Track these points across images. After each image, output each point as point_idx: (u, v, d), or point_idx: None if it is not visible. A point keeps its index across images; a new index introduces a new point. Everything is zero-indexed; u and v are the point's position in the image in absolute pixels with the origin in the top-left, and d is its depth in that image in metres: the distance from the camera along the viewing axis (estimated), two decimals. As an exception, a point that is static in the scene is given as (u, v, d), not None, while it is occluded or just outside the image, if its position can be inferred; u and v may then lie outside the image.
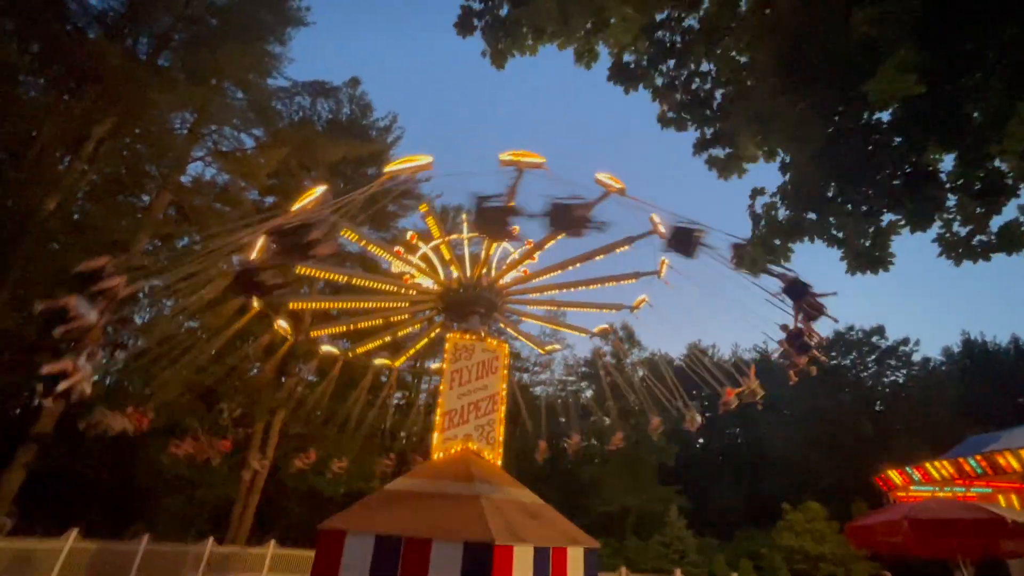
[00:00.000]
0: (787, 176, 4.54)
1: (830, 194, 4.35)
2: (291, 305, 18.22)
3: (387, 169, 12.58)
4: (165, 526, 21.04)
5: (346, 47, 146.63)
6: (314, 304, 20.87)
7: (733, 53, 4.35)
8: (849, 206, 4.29)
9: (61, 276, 16.53)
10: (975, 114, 3.77)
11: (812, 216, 4.45)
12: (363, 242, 15.04)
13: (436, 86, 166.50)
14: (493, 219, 8.63)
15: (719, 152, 4.80)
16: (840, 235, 4.47)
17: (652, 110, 4.90)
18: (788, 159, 4.46)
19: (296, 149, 23.66)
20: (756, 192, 4.74)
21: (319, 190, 11.53)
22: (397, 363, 20.21)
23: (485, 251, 15.22)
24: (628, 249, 13.97)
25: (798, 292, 8.26)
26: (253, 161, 23.09)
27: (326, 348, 18.20)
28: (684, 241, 8.95)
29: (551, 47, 4.72)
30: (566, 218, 8.33)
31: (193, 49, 20.67)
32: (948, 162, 4.18)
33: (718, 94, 4.55)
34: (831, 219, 4.40)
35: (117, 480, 21.29)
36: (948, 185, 4.08)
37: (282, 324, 16.01)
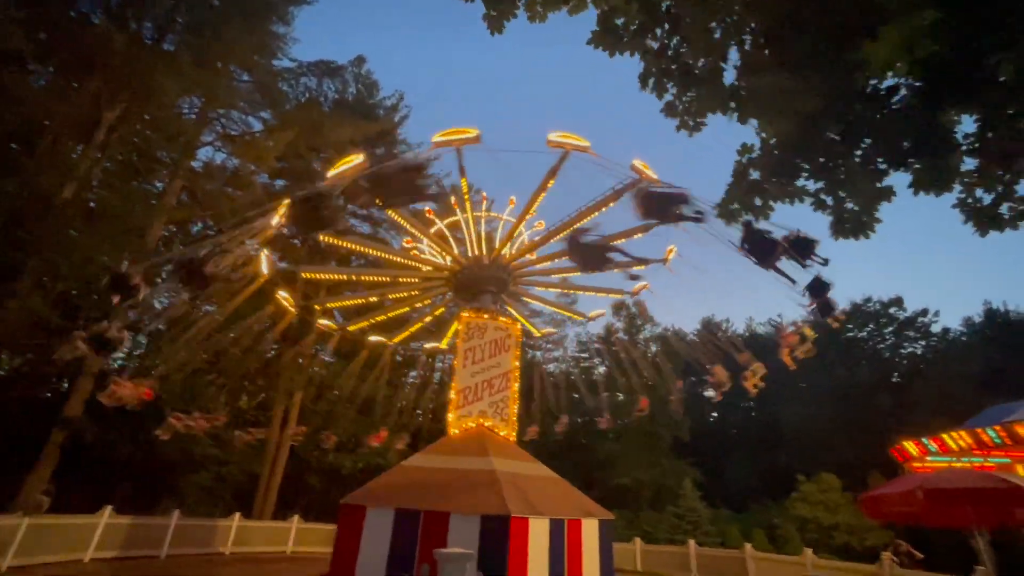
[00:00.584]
0: (771, 141, 4.44)
1: (822, 159, 4.25)
2: (304, 274, 18.33)
3: (434, 139, 12.43)
4: (193, 501, 21.88)
5: (343, 43, 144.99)
6: (328, 275, 21.06)
7: (713, 25, 4.19)
8: (843, 169, 4.19)
9: (83, 265, 16.94)
10: (1001, 75, 3.60)
11: (800, 181, 4.38)
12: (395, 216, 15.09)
13: (438, 83, 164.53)
14: (591, 254, 8.70)
15: (688, 119, 4.68)
16: (828, 200, 4.40)
17: (650, 103, 4.77)
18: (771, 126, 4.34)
19: (304, 131, 23.59)
20: (745, 149, 4.65)
21: (358, 158, 11.44)
22: (425, 346, 20.49)
23: (511, 232, 15.20)
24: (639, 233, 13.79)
25: (820, 291, 8.15)
26: (261, 144, 23.09)
27: (324, 323, 18.44)
28: (660, 208, 8.28)
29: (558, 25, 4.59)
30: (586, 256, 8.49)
31: (197, 32, 20.53)
32: (967, 125, 4.04)
33: (701, 63, 4.42)
34: (820, 184, 4.32)
35: (145, 458, 22.05)
36: (964, 147, 3.94)
37: (283, 294, 15.87)
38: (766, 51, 4.08)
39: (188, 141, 21.78)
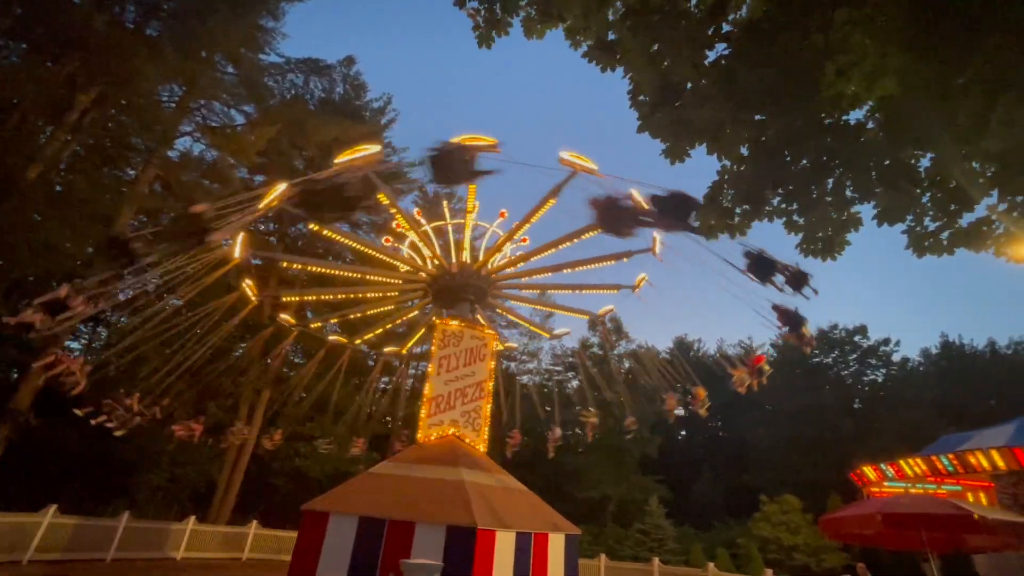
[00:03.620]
0: (740, 169, 4.58)
1: (792, 187, 4.41)
2: (284, 297, 17.99)
3: (336, 161, 12.25)
4: (146, 503, 20.94)
5: (333, 42, 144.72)
6: (306, 296, 20.73)
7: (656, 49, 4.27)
8: (815, 195, 4.37)
9: (42, 251, 16.24)
10: (958, 118, 3.82)
11: (774, 202, 4.53)
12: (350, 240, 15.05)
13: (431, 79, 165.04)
14: (619, 218, 8.59)
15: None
16: (800, 220, 4.57)
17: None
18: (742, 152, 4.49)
19: (287, 127, 23.24)
20: (725, 171, 4.77)
21: (374, 148, 11.63)
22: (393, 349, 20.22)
23: (496, 246, 15.18)
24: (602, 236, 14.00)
25: (765, 269, 8.00)
26: (243, 138, 22.62)
27: (288, 320, 18.13)
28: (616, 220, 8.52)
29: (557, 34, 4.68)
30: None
31: (183, 19, 20.08)
32: (926, 159, 4.29)
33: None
34: (794, 205, 4.48)
35: (97, 455, 21.06)
36: (926, 182, 4.17)
37: (248, 283, 15.42)
38: (717, 83, 4.19)
39: (165, 130, 21.19)
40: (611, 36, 4.41)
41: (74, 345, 24.37)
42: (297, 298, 19.64)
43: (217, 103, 23.54)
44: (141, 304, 13.76)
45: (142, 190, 20.40)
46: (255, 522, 18.99)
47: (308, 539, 10.37)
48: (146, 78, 18.39)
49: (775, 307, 9.23)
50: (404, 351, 20.28)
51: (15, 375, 20.32)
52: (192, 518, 16.72)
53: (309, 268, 17.70)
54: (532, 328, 22.68)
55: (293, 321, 18.10)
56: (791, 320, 9.01)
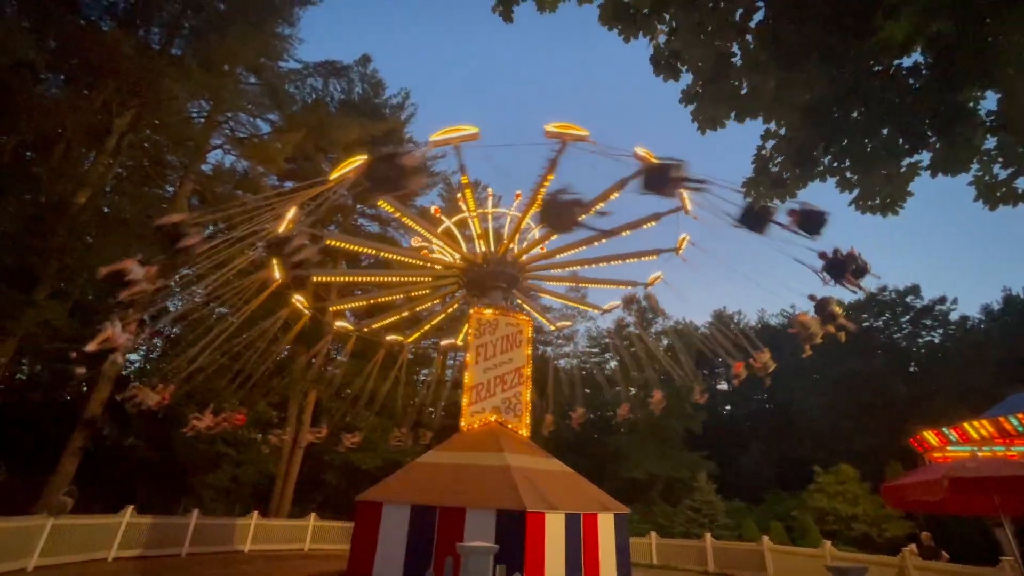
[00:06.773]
0: (784, 132, 4.33)
1: (846, 141, 4.13)
2: (315, 278, 18.58)
3: (432, 138, 12.37)
4: (210, 501, 22.15)
5: (348, 41, 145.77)
6: (339, 277, 21.24)
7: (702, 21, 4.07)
8: (869, 148, 4.07)
9: (97, 270, 17.21)
10: (1018, 52, 3.49)
11: (825, 161, 4.26)
12: (397, 213, 15.29)
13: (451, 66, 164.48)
14: (560, 212, 8.72)
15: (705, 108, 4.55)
16: (854, 178, 4.28)
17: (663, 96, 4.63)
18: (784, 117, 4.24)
19: (311, 132, 23.70)
20: (768, 135, 4.53)
21: (361, 158, 11.72)
22: (434, 340, 20.55)
23: (515, 228, 15.16)
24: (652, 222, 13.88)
25: (839, 270, 7.90)
26: (270, 146, 23.23)
27: (340, 325, 18.78)
28: (659, 179, 8.41)
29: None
30: (559, 216, 8.53)
31: (203, 36, 20.67)
32: (990, 102, 3.94)
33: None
34: (844, 163, 4.21)
35: (163, 459, 22.39)
36: (990, 124, 3.83)
37: (299, 298, 16.38)
38: (764, 46, 3.97)
39: (197, 145, 21.98)
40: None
41: (133, 357, 25.83)
42: (346, 306, 20.21)
43: (243, 114, 24.21)
44: (194, 317, 14.46)
45: (181, 206, 21.25)
46: (314, 515, 19.81)
47: (364, 529, 10.76)
48: (175, 96, 19.07)
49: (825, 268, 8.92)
50: (459, 340, 20.60)
51: (85, 388, 21.73)
52: (255, 513, 17.59)
53: (341, 279, 18.16)
54: (578, 305, 22.62)
55: (352, 328, 18.77)
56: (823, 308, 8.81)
